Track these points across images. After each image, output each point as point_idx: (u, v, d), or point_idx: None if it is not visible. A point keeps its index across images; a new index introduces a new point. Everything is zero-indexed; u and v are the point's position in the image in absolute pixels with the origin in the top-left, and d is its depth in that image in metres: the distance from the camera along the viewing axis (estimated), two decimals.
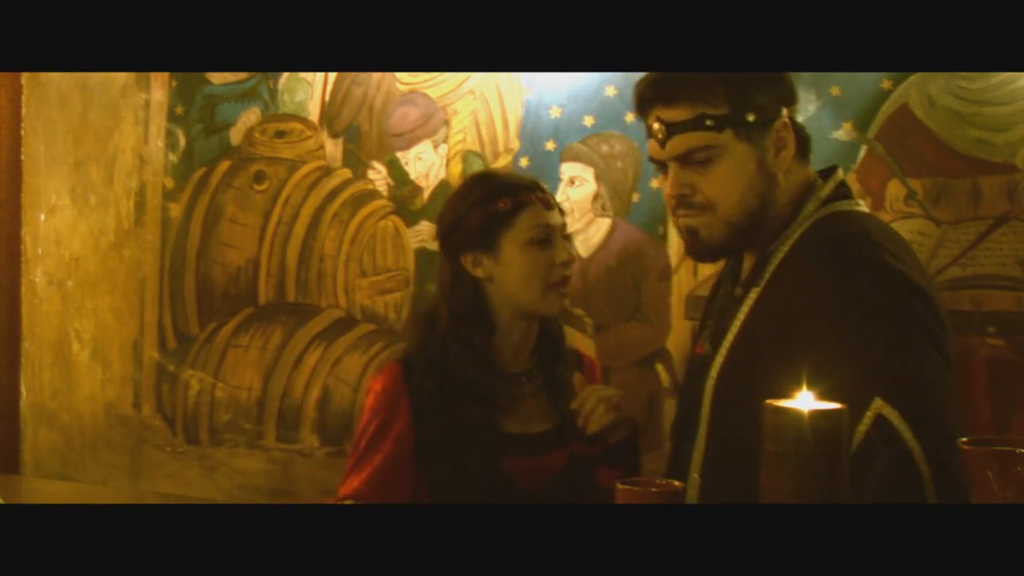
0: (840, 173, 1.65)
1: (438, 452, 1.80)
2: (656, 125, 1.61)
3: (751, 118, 1.56)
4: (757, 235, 1.60)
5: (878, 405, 1.37)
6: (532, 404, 1.88)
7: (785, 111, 1.60)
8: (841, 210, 1.59)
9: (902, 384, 1.39)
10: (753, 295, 1.59)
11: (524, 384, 1.88)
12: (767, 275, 1.58)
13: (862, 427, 1.37)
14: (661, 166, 1.65)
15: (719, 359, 1.60)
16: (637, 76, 2.75)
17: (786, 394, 1.07)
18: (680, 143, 1.58)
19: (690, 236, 1.62)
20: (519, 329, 1.88)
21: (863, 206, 1.64)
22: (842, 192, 1.63)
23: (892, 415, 1.36)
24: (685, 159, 1.58)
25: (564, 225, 1.91)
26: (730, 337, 1.60)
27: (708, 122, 1.55)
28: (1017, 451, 1.01)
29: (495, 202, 1.84)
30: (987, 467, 1.02)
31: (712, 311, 1.74)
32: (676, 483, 1.28)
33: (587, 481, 1.85)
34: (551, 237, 1.85)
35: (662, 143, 1.60)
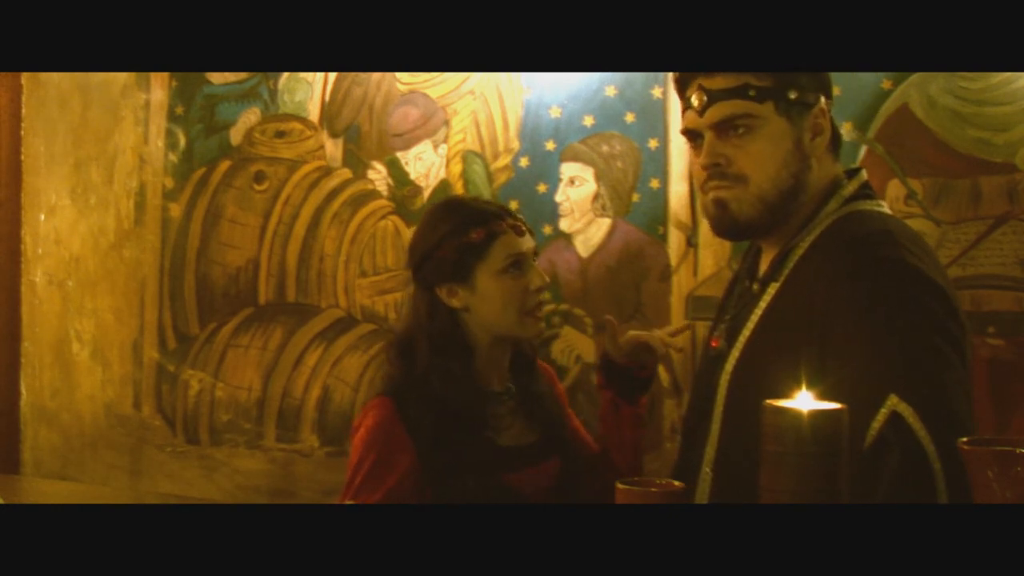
0: (864, 174, 1.65)
1: (442, 479, 1.78)
2: (696, 94, 1.59)
3: (793, 95, 1.55)
4: (785, 219, 1.59)
5: (893, 402, 1.36)
6: (515, 419, 1.89)
7: (823, 100, 1.60)
8: (863, 209, 1.59)
9: (918, 382, 1.39)
10: (771, 290, 1.59)
11: (506, 401, 1.89)
12: (786, 271, 1.58)
13: (876, 423, 1.36)
14: (695, 138, 1.63)
15: (735, 354, 1.60)
16: (637, 76, 2.77)
17: (802, 389, 1.07)
18: (720, 110, 1.56)
19: (719, 210, 1.59)
20: (496, 352, 1.88)
21: (885, 207, 1.63)
22: (865, 192, 1.62)
23: (907, 412, 1.35)
24: (723, 128, 1.57)
25: (535, 248, 1.90)
26: (746, 332, 1.60)
27: (751, 92, 1.54)
28: (1017, 451, 1.01)
29: (467, 233, 1.82)
30: (987, 467, 1.02)
31: (728, 306, 1.74)
32: (676, 483, 1.28)
33: (578, 485, 1.87)
34: (524, 264, 1.85)
35: (701, 111, 1.59)
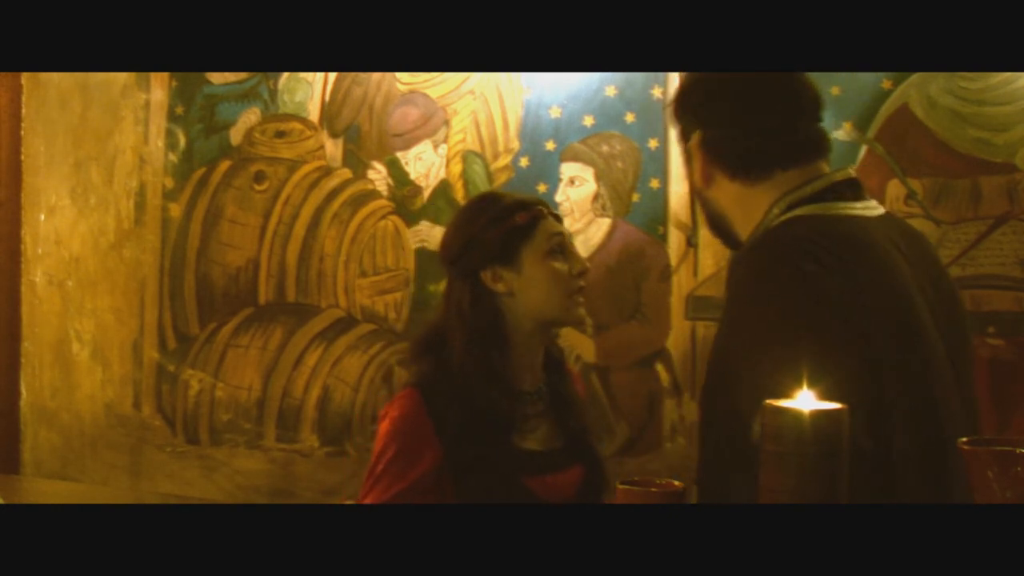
0: (831, 177, 1.49)
1: (464, 477, 1.77)
2: None
3: (682, 145, 1.61)
4: (735, 241, 1.62)
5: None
6: (542, 422, 1.87)
7: (696, 135, 1.54)
8: (806, 214, 1.46)
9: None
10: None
11: (536, 403, 1.87)
12: (727, 279, 1.60)
13: (757, 426, 1.35)
14: None
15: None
16: (637, 76, 2.77)
17: (803, 388, 1.07)
18: None
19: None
20: (532, 346, 1.87)
21: (849, 208, 1.46)
22: (826, 195, 1.47)
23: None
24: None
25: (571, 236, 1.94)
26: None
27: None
28: (1017, 451, 1.01)
29: (512, 216, 1.84)
30: (987, 467, 1.02)
31: None
32: (676, 483, 1.28)
33: (599, 499, 1.86)
34: (567, 248, 1.88)
35: None
